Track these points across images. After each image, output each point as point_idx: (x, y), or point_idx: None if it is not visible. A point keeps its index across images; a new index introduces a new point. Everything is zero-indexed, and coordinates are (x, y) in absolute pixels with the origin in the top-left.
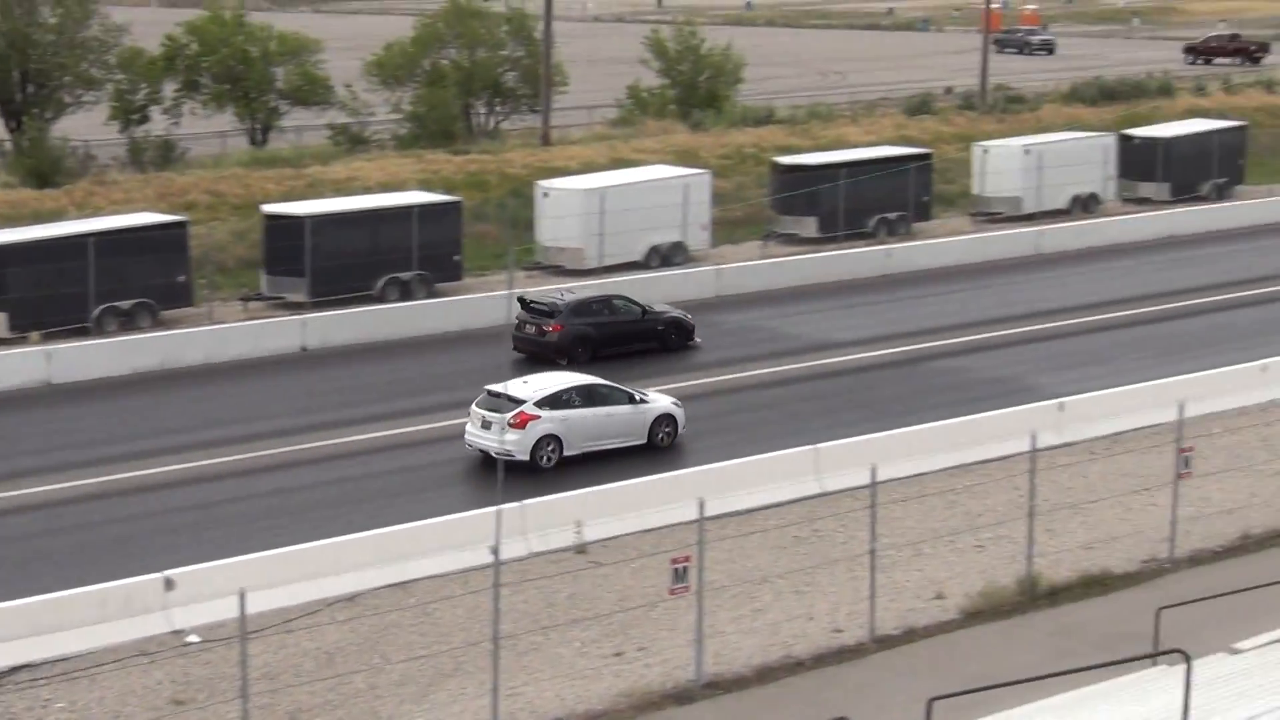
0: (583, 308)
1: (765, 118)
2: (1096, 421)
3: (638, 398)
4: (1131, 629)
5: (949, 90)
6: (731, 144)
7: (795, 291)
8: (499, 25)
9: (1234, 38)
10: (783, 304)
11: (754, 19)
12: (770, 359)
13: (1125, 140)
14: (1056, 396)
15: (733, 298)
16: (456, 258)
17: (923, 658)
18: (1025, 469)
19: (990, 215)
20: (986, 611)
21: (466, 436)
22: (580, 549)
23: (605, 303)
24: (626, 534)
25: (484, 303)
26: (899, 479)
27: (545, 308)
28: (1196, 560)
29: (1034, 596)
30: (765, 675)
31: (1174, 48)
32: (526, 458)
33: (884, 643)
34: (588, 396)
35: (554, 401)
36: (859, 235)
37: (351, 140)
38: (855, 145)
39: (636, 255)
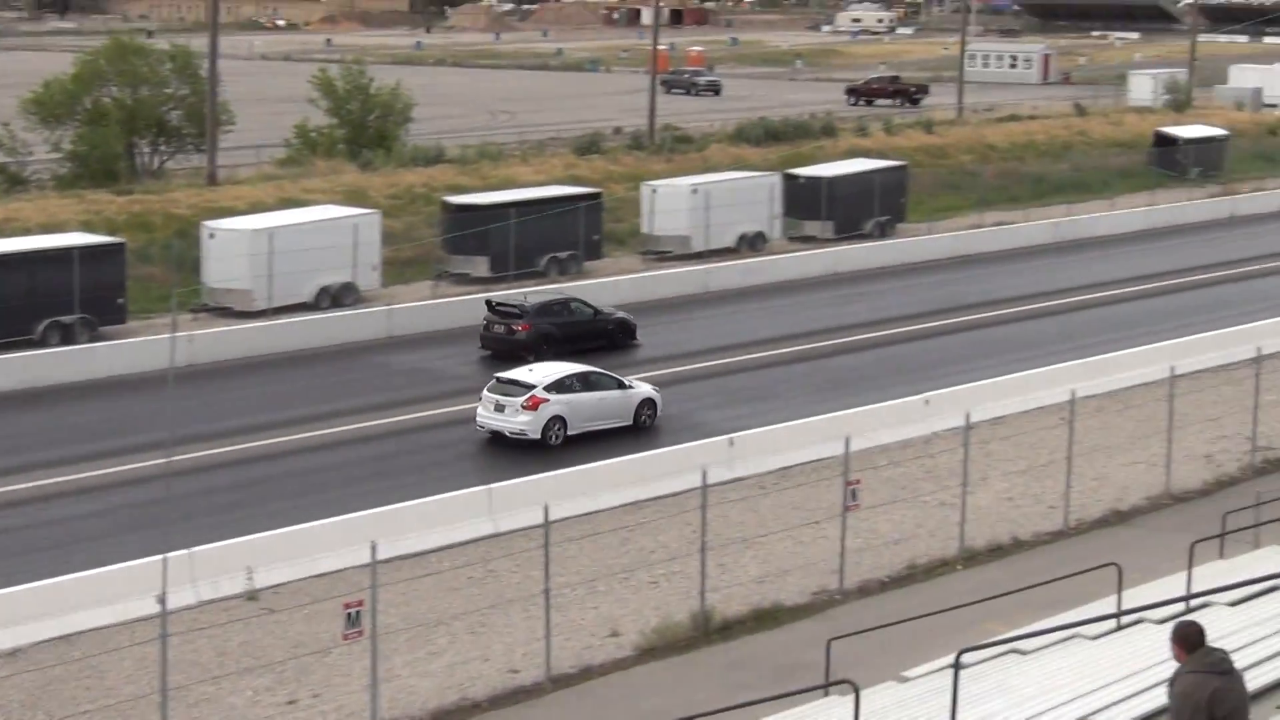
0: (546, 309)
1: (435, 157)
2: (766, 456)
3: (625, 384)
4: (803, 660)
5: (618, 130)
6: (402, 184)
7: (467, 331)
8: (162, 63)
9: (894, 80)
10: (454, 344)
11: (423, 58)
12: (439, 400)
13: (790, 180)
14: (726, 432)
15: (404, 339)
16: (120, 300)
17: (599, 696)
18: (697, 504)
19: (659, 254)
20: (661, 647)
21: (478, 419)
22: (252, 595)
23: (564, 305)
24: (299, 579)
25: (149, 346)
26: (573, 517)
27: (514, 309)
28: (865, 591)
29: (708, 631)
30: (441, 718)
31: (836, 89)
32: (538, 436)
33: (560, 682)
34: (585, 382)
35: (559, 386)
36: (530, 274)
37: (9, 180)
38: (525, 185)
39: (306, 296)
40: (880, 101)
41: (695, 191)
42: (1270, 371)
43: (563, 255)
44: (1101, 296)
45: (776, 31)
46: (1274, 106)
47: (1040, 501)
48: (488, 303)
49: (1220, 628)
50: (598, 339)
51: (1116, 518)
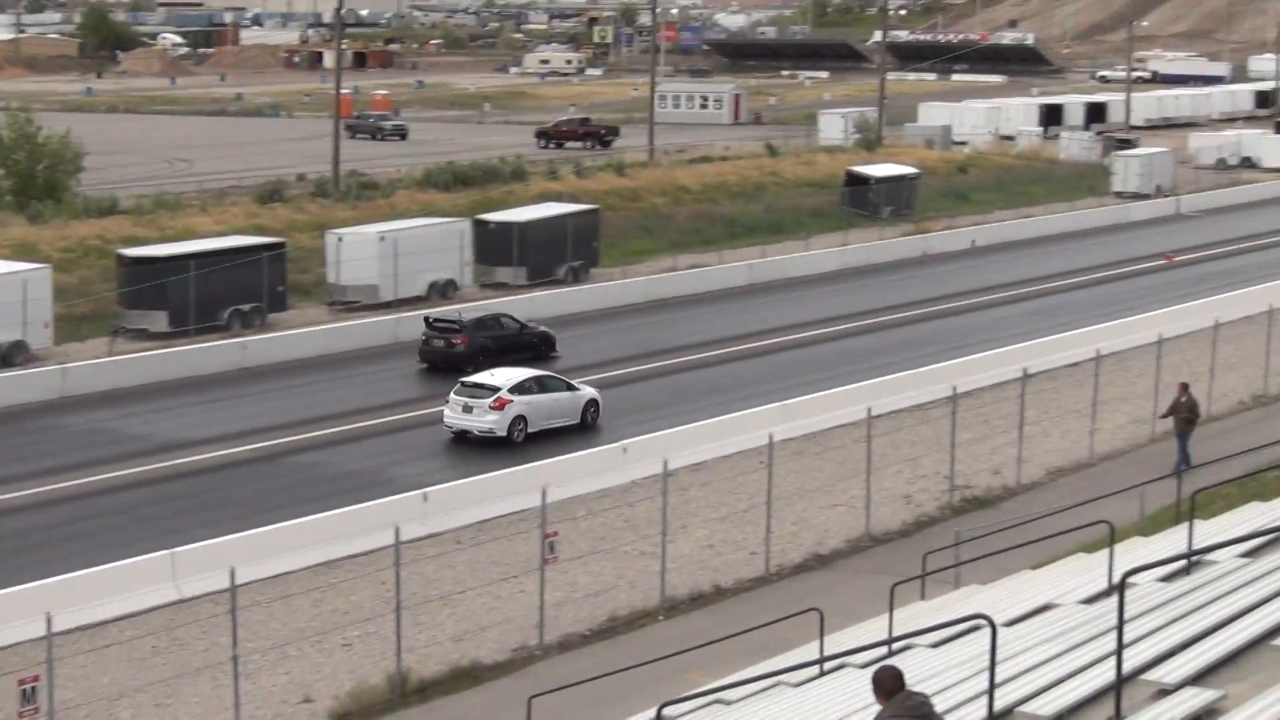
0: (481, 324)
1: (109, 208)
2: (462, 510)
3: (574, 386)
4: (504, 719)
5: (301, 177)
6: (74, 236)
7: (147, 389)
8: None
9: (584, 121)
10: (134, 403)
11: (95, 104)
12: (119, 461)
13: (480, 225)
14: (419, 486)
15: (80, 398)
16: None
17: None
18: (391, 562)
19: (347, 304)
20: (356, 712)
21: (446, 419)
22: None
23: (496, 320)
24: None
25: None
26: (262, 579)
27: (453, 325)
28: (566, 645)
29: (405, 693)
30: None
31: (526, 132)
32: (505, 434)
33: None
34: (541, 385)
35: (520, 389)
36: (212, 328)
37: None
38: (205, 235)
39: None
40: (571, 144)
41: (383, 239)
42: (965, 410)
43: (246, 308)
44: (798, 338)
45: (463, 74)
46: (964, 144)
47: (741, 548)
48: (426, 319)
49: (922, 670)
50: (524, 350)
51: (818, 562)
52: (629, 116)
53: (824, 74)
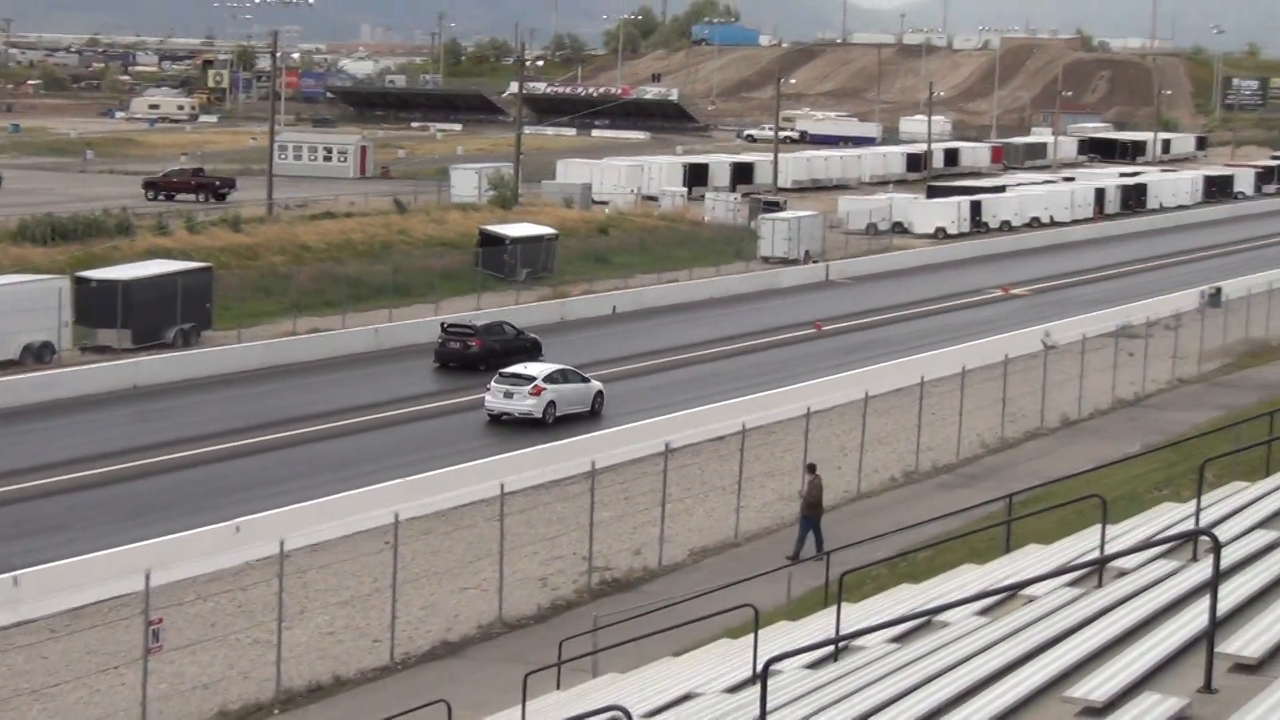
0: (489, 329)
1: None
2: (57, 595)
3: (586, 378)
4: None
5: None
6: None
7: None
8: None
9: (198, 172)
10: None
11: None
12: None
13: (81, 283)
14: (11, 569)
15: None
16: None
17: None
18: None
19: None
20: None
21: (488, 404)
22: None
23: (499, 326)
24: None
25: None
26: None
27: (468, 329)
28: None
29: None
30: None
31: (133, 182)
32: (540, 415)
33: None
34: (564, 376)
35: (551, 379)
36: None
37: None
38: None
39: None
40: (182, 196)
41: None
42: (605, 486)
43: None
44: (427, 408)
45: (64, 117)
46: (605, 203)
47: (364, 635)
48: (442, 325)
49: None
50: (521, 353)
51: (447, 649)
52: (246, 167)
53: (457, 126)
